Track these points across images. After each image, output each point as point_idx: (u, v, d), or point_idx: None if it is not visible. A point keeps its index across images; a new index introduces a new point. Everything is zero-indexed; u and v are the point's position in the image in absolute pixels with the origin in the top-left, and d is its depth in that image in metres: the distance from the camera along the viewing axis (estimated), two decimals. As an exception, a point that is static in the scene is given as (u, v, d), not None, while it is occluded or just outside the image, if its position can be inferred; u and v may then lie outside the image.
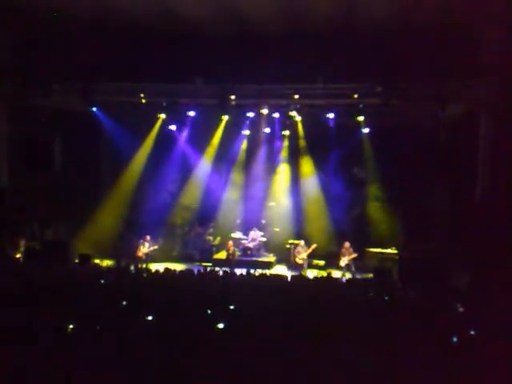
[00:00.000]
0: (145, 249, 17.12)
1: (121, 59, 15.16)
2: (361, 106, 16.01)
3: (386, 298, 8.80)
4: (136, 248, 17.11)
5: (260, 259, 17.56)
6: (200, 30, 15.33)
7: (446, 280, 12.74)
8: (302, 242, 17.01)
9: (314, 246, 16.76)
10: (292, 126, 18.16)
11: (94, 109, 17.30)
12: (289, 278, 11.42)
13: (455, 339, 5.08)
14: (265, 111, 16.93)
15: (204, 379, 4.01)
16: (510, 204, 13.35)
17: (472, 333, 6.06)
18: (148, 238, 17.27)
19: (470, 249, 14.03)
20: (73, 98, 16.16)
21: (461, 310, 7.81)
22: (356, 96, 15.50)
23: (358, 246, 16.34)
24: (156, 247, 17.33)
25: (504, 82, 13.84)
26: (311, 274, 14.10)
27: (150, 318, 6.03)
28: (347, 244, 16.13)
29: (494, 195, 14.13)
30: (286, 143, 18.92)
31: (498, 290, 10.42)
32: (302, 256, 16.76)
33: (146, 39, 15.29)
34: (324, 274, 13.01)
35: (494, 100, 14.23)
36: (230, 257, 17.02)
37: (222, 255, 17.58)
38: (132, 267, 12.52)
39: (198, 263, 16.87)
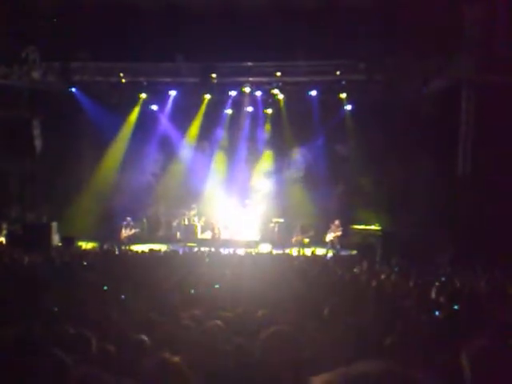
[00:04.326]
0: (127, 231, 16.89)
1: (99, 38, 14.84)
2: (343, 82, 15.94)
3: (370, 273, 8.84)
4: (119, 230, 16.90)
5: (245, 238, 17.51)
6: (180, 7, 15.05)
7: (429, 255, 12.87)
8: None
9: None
10: (275, 104, 18.04)
11: (74, 89, 17.00)
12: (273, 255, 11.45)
13: (437, 313, 5.09)
14: (247, 89, 16.78)
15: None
16: (491, 178, 13.44)
17: (455, 308, 6.10)
18: (129, 219, 17.05)
19: (454, 223, 14.14)
20: (51, 78, 15.83)
21: (444, 283, 7.87)
22: (338, 73, 15.41)
23: (343, 223, 16.38)
24: (137, 230, 17.14)
25: (485, 57, 13.83)
26: (295, 251, 14.15)
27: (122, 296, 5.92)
28: (337, 222, 16.15)
29: (476, 169, 14.22)
30: (268, 121, 18.78)
31: (481, 263, 10.55)
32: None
33: (125, 17, 14.97)
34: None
35: (475, 75, 14.22)
36: (215, 237, 16.97)
37: (207, 235, 17.53)
38: (116, 249, 12.45)
39: (182, 244, 16.77)
